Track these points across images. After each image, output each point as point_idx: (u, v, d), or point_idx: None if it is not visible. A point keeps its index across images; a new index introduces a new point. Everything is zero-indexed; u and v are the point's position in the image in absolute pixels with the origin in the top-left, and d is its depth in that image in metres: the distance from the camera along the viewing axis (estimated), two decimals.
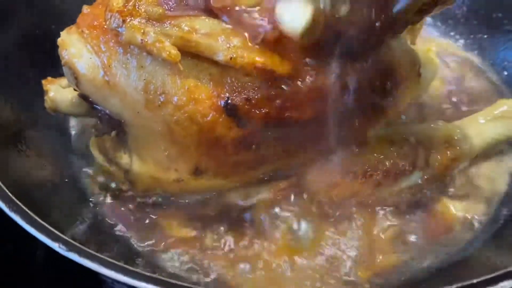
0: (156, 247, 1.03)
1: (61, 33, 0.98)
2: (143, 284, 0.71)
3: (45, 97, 1.12)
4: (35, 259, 1.17)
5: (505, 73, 1.35)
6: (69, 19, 1.00)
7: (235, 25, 0.89)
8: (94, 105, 0.98)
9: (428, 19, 1.45)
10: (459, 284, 0.75)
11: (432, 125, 1.12)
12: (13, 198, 0.82)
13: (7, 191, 0.83)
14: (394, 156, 1.05)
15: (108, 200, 1.09)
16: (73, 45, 0.95)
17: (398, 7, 0.88)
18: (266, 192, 1.06)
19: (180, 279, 0.96)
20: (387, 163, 1.05)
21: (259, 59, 0.87)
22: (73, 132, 1.23)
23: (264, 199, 1.06)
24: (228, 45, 0.87)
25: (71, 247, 0.76)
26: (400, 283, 0.96)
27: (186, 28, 0.87)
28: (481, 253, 0.99)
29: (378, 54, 0.98)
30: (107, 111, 0.97)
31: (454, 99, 1.29)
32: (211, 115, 0.89)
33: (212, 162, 0.96)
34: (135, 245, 1.02)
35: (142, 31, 0.85)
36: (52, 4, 1.29)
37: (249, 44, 0.88)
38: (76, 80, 0.95)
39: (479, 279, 0.75)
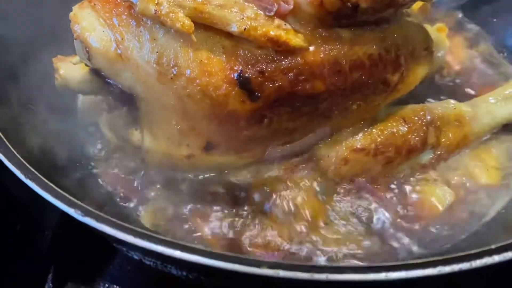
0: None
1: (73, 7, 0.98)
2: (161, 248, 0.71)
3: (55, 75, 1.11)
4: (43, 238, 1.17)
5: None
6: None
7: None
8: (106, 80, 0.98)
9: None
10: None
11: (443, 104, 1.11)
12: (29, 166, 0.82)
13: (23, 160, 0.83)
14: (405, 133, 1.05)
15: (117, 173, 1.10)
16: (85, 19, 0.94)
17: None
18: (276, 169, 1.06)
19: None
20: (398, 140, 1.04)
21: (272, 31, 0.86)
22: (81, 110, 1.23)
23: (275, 176, 1.05)
24: (241, 17, 0.86)
25: (87, 213, 0.76)
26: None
27: None
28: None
29: (391, 27, 0.97)
30: (119, 85, 0.96)
31: (464, 79, 1.28)
32: (223, 88, 0.89)
33: (223, 137, 0.96)
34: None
35: (156, 1, 0.85)
36: None
37: (263, 16, 0.88)
38: (88, 54, 0.95)
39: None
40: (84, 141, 1.17)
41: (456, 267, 0.71)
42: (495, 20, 1.42)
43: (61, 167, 1.04)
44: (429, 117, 1.08)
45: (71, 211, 0.76)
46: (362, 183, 1.04)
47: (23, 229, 1.19)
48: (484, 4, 1.44)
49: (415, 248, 0.98)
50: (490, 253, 0.72)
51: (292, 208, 0.99)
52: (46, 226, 1.19)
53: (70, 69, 1.11)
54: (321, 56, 0.91)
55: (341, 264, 0.94)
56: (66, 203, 0.77)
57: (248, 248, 0.98)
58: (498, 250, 0.73)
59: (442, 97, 1.21)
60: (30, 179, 0.81)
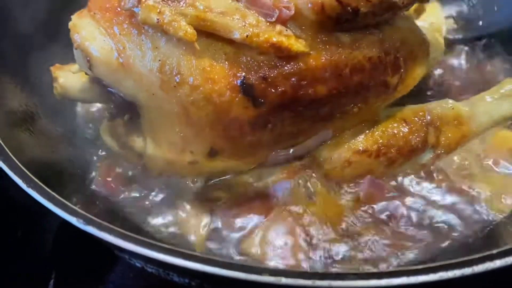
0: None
1: (71, 16, 0.98)
2: (162, 256, 0.71)
3: (54, 84, 1.11)
4: (45, 242, 1.17)
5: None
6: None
7: (249, 3, 0.89)
8: (108, 89, 0.98)
9: None
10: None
11: (442, 103, 1.13)
12: (30, 175, 0.82)
13: (24, 169, 0.83)
14: (406, 134, 1.06)
15: (119, 179, 1.09)
16: (85, 28, 0.94)
17: None
18: (279, 173, 1.06)
19: None
20: (400, 141, 1.06)
21: (274, 37, 0.87)
22: (80, 117, 1.23)
23: (278, 180, 1.06)
24: (243, 24, 0.87)
25: (89, 221, 0.76)
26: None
27: (202, 7, 0.86)
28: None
29: (390, 30, 0.99)
30: (121, 94, 0.96)
31: (461, 78, 1.30)
32: (227, 94, 0.89)
33: (227, 142, 0.96)
34: (147, 226, 1.03)
35: (158, 10, 0.85)
36: None
37: (264, 22, 0.88)
38: (89, 63, 0.95)
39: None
40: (84, 148, 1.17)
41: (457, 272, 0.71)
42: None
43: (62, 174, 1.04)
44: (429, 117, 1.09)
45: (73, 220, 0.76)
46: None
47: (25, 232, 1.19)
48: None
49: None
50: (491, 258, 0.73)
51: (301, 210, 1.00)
52: (47, 230, 1.18)
53: (69, 78, 1.11)
54: (323, 60, 0.91)
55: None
56: (68, 211, 0.77)
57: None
58: (500, 255, 0.73)
59: (438, 97, 1.22)
60: (32, 188, 0.80)
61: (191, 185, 1.09)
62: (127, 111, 1.02)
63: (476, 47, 1.37)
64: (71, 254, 1.14)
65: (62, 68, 1.12)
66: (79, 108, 1.23)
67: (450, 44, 1.35)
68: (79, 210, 0.79)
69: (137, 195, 1.08)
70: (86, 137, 1.18)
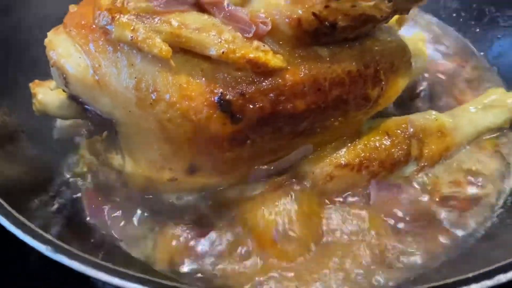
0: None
1: (48, 33, 0.97)
2: (134, 285, 0.70)
3: (33, 100, 1.09)
4: (28, 264, 1.15)
5: (496, 67, 1.35)
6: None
7: (226, 19, 0.88)
8: (85, 106, 0.96)
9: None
10: (456, 279, 0.75)
11: (425, 115, 1.12)
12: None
13: None
14: (389, 147, 1.05)
15: (98, 198, 1.08)
16: (61, 45, 0.93)
17: None
18: (261, 188, 1.05)
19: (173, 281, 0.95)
20: (382, 154, 1.05)
21: (251, 53, 0.86)
22: (57, 133, 1.21)
23: (260, 195, 1.04)
24: (219, 40, 0.86)
25: (59, 249, 0.74)
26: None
27: (176, 24, 0.85)
28: (476, 249, 0.99)
29: (369, 43, 0.98)
30: (98, 111, 0.95)
31: (444, 89, 1.29)
32: (204, 111, 0.88)
33: (206, 159, 0.95)
34: (124, 248, 1.02)
35: (132, 28, 0.84)
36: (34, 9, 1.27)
37: (241, 38, 0.87)
38: (65, 81, 0.94)
39: (475, 273, 0.75)
40: (62, 165, 1.15)
41: None
42: (477, 30, 1.42)
43: (35, 195, 1.02)
44: (411, 130, 1.08)
45: (42, 248, 0.74)
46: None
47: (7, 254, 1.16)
48: (465, 13, 1.45)
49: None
50: (467, 282, 0.73)
51: (280, 228, 0.98)
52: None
53: (48, 94, 1.09)
54: (301, 75, 0.90)
55: None
56: (38, 239, 0.75)
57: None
58: (476, 279, 0.73)
59: (422, 108, 1.21)
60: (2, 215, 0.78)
61: (175, 202, 1.08)
62: (105, 128, 1.01)
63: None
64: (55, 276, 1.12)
65: (41, 84, 1.11)
66: (58, 124, 1.21)
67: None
68: (50, 238, 0.77)
69: (118, 215, 1.06)
70: (65, 153, 1.16)
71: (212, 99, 0.88)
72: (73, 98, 0.98)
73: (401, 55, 1.07)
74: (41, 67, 1.11)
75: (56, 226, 0.91)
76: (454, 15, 1.47)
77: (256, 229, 0.99)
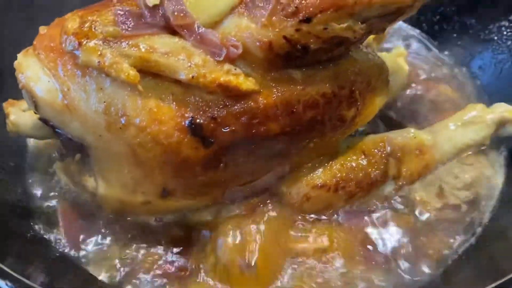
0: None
1: (17, 55, 0.95)
2: None
3: (7, 120, 1.08)
4: None
5: (477, 81, 1.35)
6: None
7: (197, 42, 0.87)
8: (56, 129, 0.95)
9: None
10: None
11: (403, 133, 1.11)
12: None
13: None
14: (365, 166, 1.04)
15: (73, 220, 1.07)
16: (30, 68, 0.91)
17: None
18: (237, 209, 1.04)
19: None
20: (359, 174, 1.04)
21: (222, 77, 0.85)
22: (31, 153, 1.20)
23: (235, 217, 1.03)
24: (189, 64, 0.84)
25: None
26: None
27: (145, 48, 0.84)
28: (457, 268, 0.98)
29: (344, 63, 0.97)
30: (69, 135, 0.93)
31: (424, 105, 1.28)
32: (175, 135, 0.87)
33: (179, 183, 0.93)
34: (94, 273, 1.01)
35: (99, 53, 0.83)
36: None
37: (212, 61, 0.86)
38: (34, 104, 0.92)
39: None
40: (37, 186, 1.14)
41: None
42: (459, 43, 1.41)
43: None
44: (389, 148, 1.07)
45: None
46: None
47: None
48: (448, 27, 1.44)
49: None
50: None
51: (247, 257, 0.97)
52: None
53: (21, 115, 1.08)
54: (274, 98, 0.89)
55: None
56: None
57: None
58: None
59: (401, 125, 1.20)
60: None
61: (154, 223, 1.06)
62: (77, 151, 0.99)
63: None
64: None
65: (14, 104, 1.10)
66: (31, 142, 1.20)
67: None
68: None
69: (91, 237, 1.05)
70: (35, 174, 1.15)
71: (183, 123, 0.86)
72: (43, 121, 0.96)
73: (378, 74, 1.06)
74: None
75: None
76: (436, 27, 1.45)
77: (223, 258, 0.97)
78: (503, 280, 0.79)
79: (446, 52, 1.42)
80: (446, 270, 0.99)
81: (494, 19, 1.33)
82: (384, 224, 1.05)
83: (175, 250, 1.03)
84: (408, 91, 1.32)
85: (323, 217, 1.05)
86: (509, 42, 1.30)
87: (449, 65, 1.39)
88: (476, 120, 1.16)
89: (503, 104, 1.17)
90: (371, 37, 1.14)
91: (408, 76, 1.28)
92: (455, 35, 1.42)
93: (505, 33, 1.31)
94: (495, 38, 1.32)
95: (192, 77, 0.84)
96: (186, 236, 1.04)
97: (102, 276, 1.00)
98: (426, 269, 1.00)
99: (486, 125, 1.16)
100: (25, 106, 1.06)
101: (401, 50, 1.29)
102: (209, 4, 0.87)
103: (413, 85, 1.34)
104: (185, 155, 0.88)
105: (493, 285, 0.78)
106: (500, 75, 1.30)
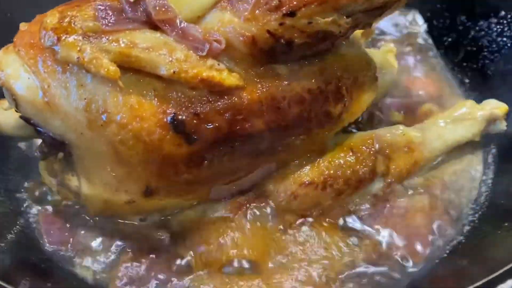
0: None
1: None
2: None
3: None
4: None
5: (467, 78, 1.34)
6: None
7: (179, 37, 0.85)
8: (37, 128, 0.93)
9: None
10: None
11: (392, 130, 1.09)
12: None
13: None
14: (353, 164, 1.03)
15: (56, 220, 1.06)
16: (10, 66, 0.90)
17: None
18: (223, 209, 1.02)
19: None
20: (346, 171, 1.02)
21: (204, 72, 0.83)
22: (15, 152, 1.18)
23: (222, 216, 1.01)
24: (170, 59, 0.83)
25: None
26: None
27: (125, 43, 0.82)
28: (445, 266, 0.96)
29: (331, 58, 0.95)
30: (50, 133, 0.92)
31: (414, 102, 1.27)
32: (157, 132, 0.85)
33: (162, 181, 0.91)
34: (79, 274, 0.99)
35: (78, 48, 0.81)
36: None
37: (194, 56, 0.84)
38: (15, 102, 0.90)
39: None
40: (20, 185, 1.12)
41: None
42: (449, 40, 1.40)
43: None
44: (377, 145, 1.06)
45: None
46: None
47: None
48: (437, 23, 1.43)
49: None
50: None
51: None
52: None
53: (3, 114, 1.06)
54: (258, 94, 0.88)
55: None
56: None
57: None
58: None
59: (390, 122, 1.19)
60: None
61: (138, 223, 1.05)
62: (59, 149, 0.97)
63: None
64: None
65: None
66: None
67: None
68: None
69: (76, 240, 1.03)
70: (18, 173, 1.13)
71: (165, 119, 0.85)
72: (24, 119, 0.94)
73: (365, 69, 1.05)
74: None
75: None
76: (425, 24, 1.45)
77: (209, 257, 0.96)
78: (490, 277, 0.77)
79: (434, 49, 1.41)
80: (433, 268, 0.97)
81: (484, 16, 1.32)
82: (372, 221, 1.03)
83: (160, 251, 1.00)
84: (397, 88, 1.30)
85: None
86: (498, 39, 1.29)
87: (437, 62, 1.38)
88: (466, 116, 1.15)
89: (493, 100, 1.16)
90: (359, 32, 1.13)
91: (398, 73, 1.27)
92: (445, 32, 1.41)
93: (494, 29, 1.30)
94: (485, 34, 1.31)
95: (174, 72, 0.82)
96: (171, 237, 1.02)
97: (88, 278, 0.98)
98: (412, 268, 0.98)
99: (476, 122, 1.15)
100: (7, 105, 1.04)
101: (390, 47, 1.27)
102: None
103: (403, 81, 1.32)
104: (168, 152, 0.87)
105: (480, 282, 0.76)
106: (489, 72, 1.28)
